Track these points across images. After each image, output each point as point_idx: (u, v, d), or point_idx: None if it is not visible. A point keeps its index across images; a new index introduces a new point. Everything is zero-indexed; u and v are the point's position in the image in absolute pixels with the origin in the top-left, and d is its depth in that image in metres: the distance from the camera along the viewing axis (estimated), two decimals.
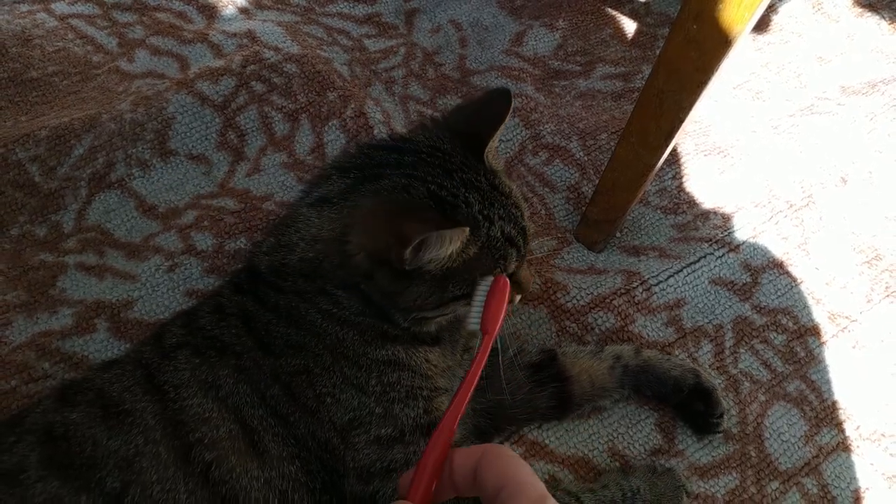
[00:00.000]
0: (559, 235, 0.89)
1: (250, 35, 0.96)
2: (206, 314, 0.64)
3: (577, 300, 0.82)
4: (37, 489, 0.52)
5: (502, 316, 0.53)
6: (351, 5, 1.07)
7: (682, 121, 0.67)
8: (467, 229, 0.54)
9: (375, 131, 0.90)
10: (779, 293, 0.87)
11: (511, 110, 0.63)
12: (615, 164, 0.76)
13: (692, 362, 0.79)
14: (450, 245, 0.54)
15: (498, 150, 0.67)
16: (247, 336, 0.61)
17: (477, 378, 0.47)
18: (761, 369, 0.82)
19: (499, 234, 0.58)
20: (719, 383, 0.79)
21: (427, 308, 0.59)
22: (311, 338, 0.60)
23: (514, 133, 0.96)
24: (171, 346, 0.62)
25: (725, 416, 0.74)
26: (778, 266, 0.89)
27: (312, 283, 0.61)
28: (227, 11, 1.03)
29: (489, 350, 0.49)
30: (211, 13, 1.02)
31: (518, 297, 0.66)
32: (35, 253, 0.81)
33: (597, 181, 0.92)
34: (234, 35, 0.97)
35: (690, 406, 0.75)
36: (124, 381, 0.59)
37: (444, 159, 0.60)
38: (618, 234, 0.90)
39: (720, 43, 0.58)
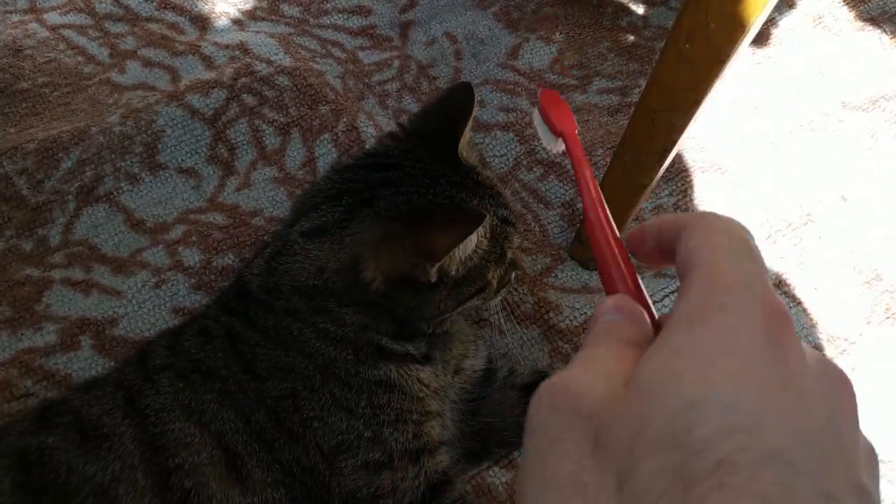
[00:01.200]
0: (553, 253, 0.87)
1: (242, 47, 0.95)
2: (192, 336, 0.63)
3: (571, 320, 0.80)
4: None
5: (571, 114, 0.49)
6: (345, 17, 1.06)
7: (675, 141, 0.65)
8: (486, 219, 0.55)
9: (367, 146, 0.89)
10: None
11: (476, 103, 0.63)
12: (608, 182, 0.75)
13: None
14: (471, 245, 0.56)
15: (472, 141, 0.67)
16: (233, 359, 0.60)
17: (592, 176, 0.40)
18: None
19: (497, 220, 0.60)
20: None
21: (449, 310, 0.60)
22: (301, 359, 0.59)
23: (509, 148, 0.95)
24: (155, 368, 0.61)
25: None
26: (776, 286, 0.88)
27: (310, 301, 0.59)
28: (221, 23, 1.02)
29: (581, 147, 0.45)
30: (204, 24, 1.01)
31: (514, 275, 0.67)
32: (21, 267, 0.80)
33: None
34: (227, 47, 0.96)
35: None
36: (104, 403, 0.58)
37: (425, 167, 0.60)
38: None
39: (713, 62, 0.57)
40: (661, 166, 0.69)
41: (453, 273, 0.57)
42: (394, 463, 0.59)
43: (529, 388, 0.71)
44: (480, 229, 0.55)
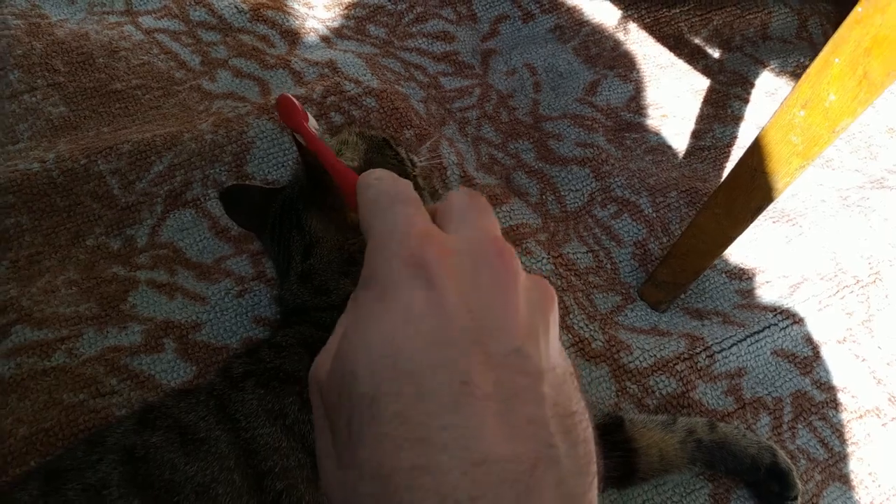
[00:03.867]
0: (623, 292, 0.88)
1: (331, 65, 0.97)
2: (267, 348, 0.65)
3: (640, 361, 0.81)
4: None
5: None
6: (429, 42, 1.08)
7: (772, 200, 0.66)
8: None
9: (448, 172, 0.90)
10: (840, 370, 0.86)
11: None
12: (694, 231, 0.76)
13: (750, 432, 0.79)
14: None
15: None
16: (308, 360, 0.62)
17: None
18: (818, 447, 0.81)
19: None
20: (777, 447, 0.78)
21: None
22: None
23: (584, 183, 0.96)
24: (239, 376, 0.63)
25: (800, 499, 0.73)
26: (841, 342, 0.88)
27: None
28: (309, 39, 1.04)
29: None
30: (293, 39, 1.04)
31: None
32: (108, 266, 0.82)
33: (664, 240, 0.92)
34: (316, 63, 0.98)
35: (767, 487, 0.74)
36: (199, 410, 0.60)
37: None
38: (682, 295, 0.89)
39: (826, 132, 0.58)
40: (753, 220, 0.70)
41: None
42: None
43: (600, 430, 0.72)
44: None
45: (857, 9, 0.52)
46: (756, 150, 0.65)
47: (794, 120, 0.59)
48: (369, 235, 0.30)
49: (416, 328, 0.26)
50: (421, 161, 0.82)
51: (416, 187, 0.74)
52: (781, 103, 0.60)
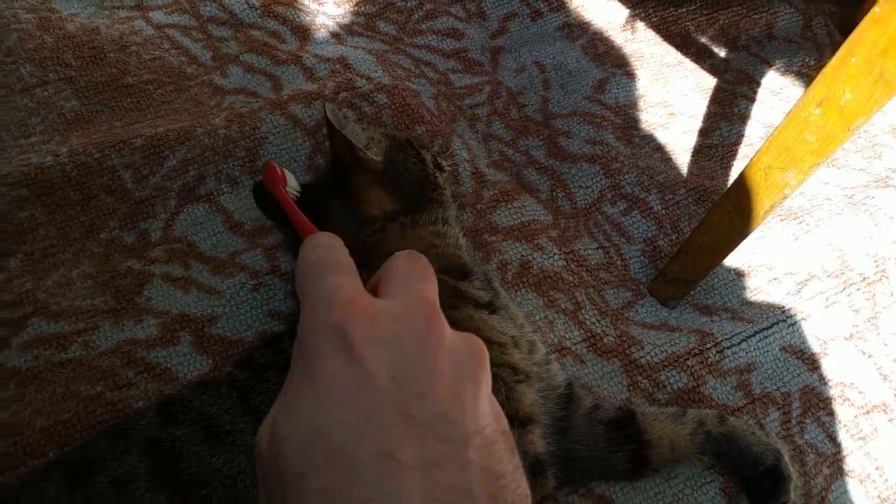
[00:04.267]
0: (633, 288, 0.89)
1: (343, 61, 0.98)
2: (287, 340, 0.66)
3: (651, 356, 0.82)
4: (145, 500, 0.53)
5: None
6: (439, 38, 1.09)
7: (786, 197, 0.67)
8: None
9: (460, 169, 0.91)
10: (847, 366, 0.87)
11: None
12: (706, 228, 0.77)
13: (761, 430, 0.79)
14: None
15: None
16: None
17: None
18: (826, 442, 0.82)
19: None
20: (785, 452, 0.79)
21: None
22: None
23: (594, 181, 0.97)
24: (262, 367, 0.64)
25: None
26: (847, 338, 0.89)
27: None
28: (320, 35, 1.05)
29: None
30: (304, 35, 1.04)
31: None
32: (123, 259, 0.82)
33: (673, 236, 0.93)
34: (327, 60, 0.98)
35: (758, 483, 0.74)
36: (221, 402, 0.61)
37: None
38: (691, 292, 0.90)
39: (841, 131, 0.59)
40: (765, 218, 0.71)
41: None
42: None
43: (613, 424, 0.73)
44: None
45: (875, 9, 0.53)
46: (770, 149, 0.65)
47: (810, 118, 0.60)
48: (301, 305, 0.30)
49: (340, 401, 0.26)
50: (447, 165, 0.84)
51: (437, 187, 0.75)
52: (797, 102, 0.61)
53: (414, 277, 0.32)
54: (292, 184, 0.73)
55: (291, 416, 0.27)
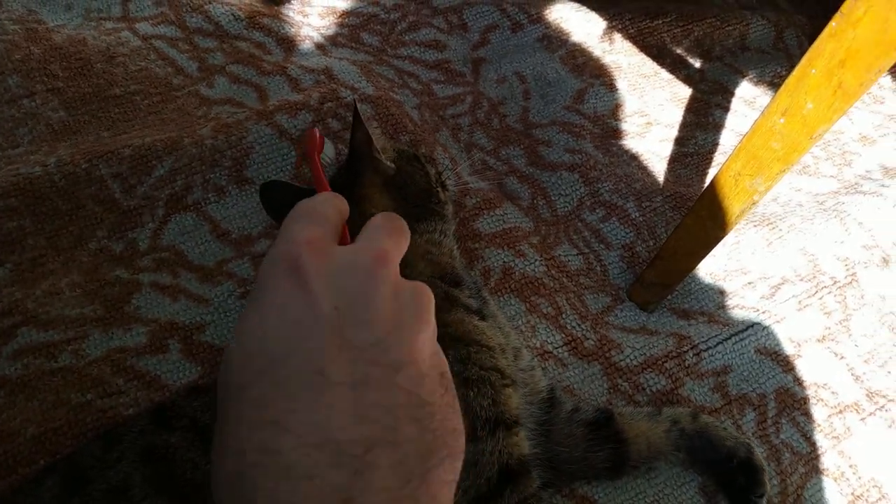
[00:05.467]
0: (612, 293, 0.92)
1: (328, 72, 1.00)
2: None
3: (631, 360, 0.84)
4: None
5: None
6: (421, 50, 1.11)
7: (755, 203, 0.70)
8: None
9: (443, 177, 0.93)
10: (820, 367, 0.90)
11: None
12: (681, 234, 0.80)
13: (737, 430, 0.82)
14: None
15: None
16: None
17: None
18: (801, 441, 0.85)
19: None
20: (762, 452, 0.81)
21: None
22: None
23: (574, 188, 0.99)
24: None
25: (765, 498, 0.76)
26: (820, 340, 0.92)
27: None
28: (304, 46, 1.07)
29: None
30: (289, 46, 1.06)
31: None
32: (111, 268, 0.83)
33: (651, 242, 0.96)
34: (312, 71, 1.00)
35: (732, 479, 0.77)
36: (214, 409, 0.62)
37: None
38: (668, 296, 0.93)
39: (804, 138, 0.62)
40: (737, 223, 0.74)
41: None
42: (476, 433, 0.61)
43: (593, 425, 0.75)
44: None
45: (832, 23, 0.56)
46: (739, 156, 0.68)
47: (775, 127, 0.63)
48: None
49: (282, 321, 0.29)
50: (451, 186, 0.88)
51: (437, 201, 0.77)
52: (762, 111, 0.64)
53: (381, 231, 0.35)
54: (328, 152, 0.77)
55: (240, 335, 0.30)
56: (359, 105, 0.74)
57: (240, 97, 0.99)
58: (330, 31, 1.10)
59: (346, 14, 1.13)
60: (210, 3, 1.07)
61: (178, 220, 0.87)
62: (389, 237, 0.35)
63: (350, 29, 1.11)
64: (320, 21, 1.12)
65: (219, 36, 1.05)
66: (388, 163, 0.77)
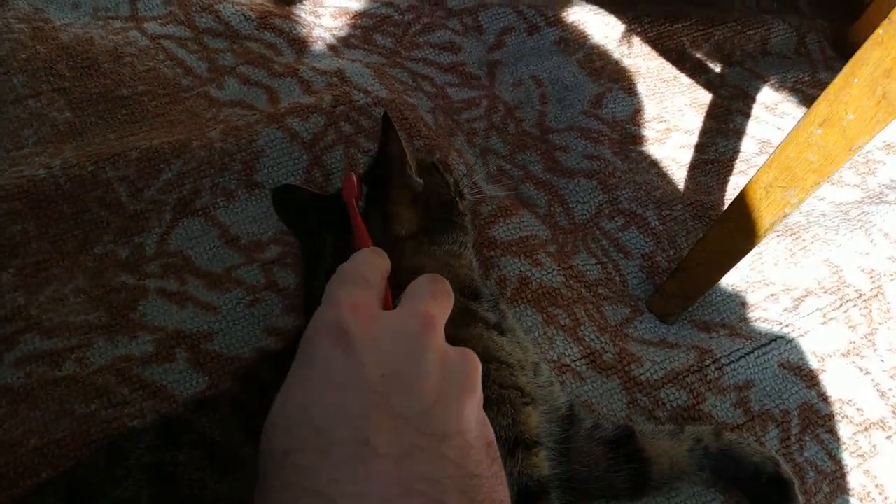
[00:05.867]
0: (632, 304, 0.89)
1: (340, 74, 0.97)
2: (285, 357, 0.65)
3: (651, 374, 0.82)
4: None
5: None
6: (436, 52, 1.09)
7: (786, 215, 0.67)
8: None
9: (461, 186, 0.90)
10: (845, 383, 0.87)
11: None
12: (706, 245, 0.77)
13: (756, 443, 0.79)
14: None
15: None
16: None
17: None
18: (826, 459, 0.82)
19: None
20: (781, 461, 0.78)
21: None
22: None
23: (592, 196, 0.97)
24: (263, 386, 0.63)
25: None
26: (845, 355, 0.90)
27: None
28: (317, 47, 1.04)
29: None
30: (301, 48, 1.04)
31: None
32: (117, 274, 0.81)
33: (671, 252, 0.93)
34: (324, 73, 0.98)
35: (765, 496, 0.74)
36: (224, 425, 0.59)
37: None
38: (690, 308, 0.90)
39: (843, 150, 0.60)
40: (765, 236, 0.71)
41: None
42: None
43: (613, 443, 0.73)
44: None
45: (879, 31, 0.53)
46: (771, 167, 0.65)
47: (811, 138, 0.60)
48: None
49: (328, 387, 0.29)
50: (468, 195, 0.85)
51: (457, 212, 0.75)
52: (798, 121, 0.61)
53: (425, 294, 0.35)
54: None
55: (285, 399, 0.30)
56: (374, 108, 0.71)
57: (250, 99, 0.96)
58: (342, 33, 1.08)
59: (358, 15, 1.11)
60: (220, 2, 1.05)
61: (185, 225, 0.85)
62: (434, 300, 0.35)
63: (363, 30, 1.09)
64: (333, 22, 1.10)
65: (229, 36, 1.03)
66: (417, 178, 0.74)
